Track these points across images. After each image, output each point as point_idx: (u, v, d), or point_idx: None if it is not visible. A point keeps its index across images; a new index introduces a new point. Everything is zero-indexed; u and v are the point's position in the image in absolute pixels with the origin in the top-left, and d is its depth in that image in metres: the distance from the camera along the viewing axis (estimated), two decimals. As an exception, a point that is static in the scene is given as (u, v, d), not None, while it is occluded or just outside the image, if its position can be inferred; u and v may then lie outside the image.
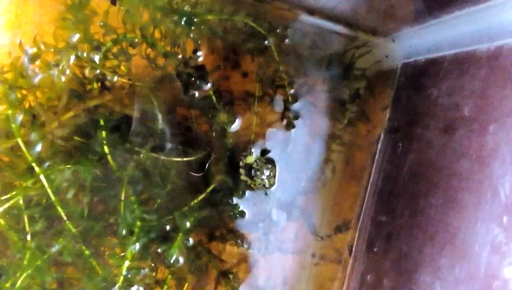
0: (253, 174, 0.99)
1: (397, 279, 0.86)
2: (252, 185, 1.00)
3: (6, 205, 0.82)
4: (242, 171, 1.00)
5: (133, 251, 0.88)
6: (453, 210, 0.75)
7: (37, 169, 0.82)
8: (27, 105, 0.84)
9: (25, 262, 0.84)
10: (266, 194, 1.03)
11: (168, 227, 0.94)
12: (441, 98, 0.85)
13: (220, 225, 1.02)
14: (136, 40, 0.90)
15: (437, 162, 0.82)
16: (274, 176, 1.02)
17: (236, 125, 1.00)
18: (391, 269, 0.89)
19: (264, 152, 1.02)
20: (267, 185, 1.01)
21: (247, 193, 1.02)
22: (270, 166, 1.01)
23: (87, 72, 0.87)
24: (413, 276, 0.81)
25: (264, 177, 1.00)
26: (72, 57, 0.86)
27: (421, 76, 0.93)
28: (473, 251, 0.69)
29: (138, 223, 0.89)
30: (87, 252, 0.88)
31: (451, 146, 0.79)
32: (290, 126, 1.02)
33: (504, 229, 0.65)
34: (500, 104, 0.70)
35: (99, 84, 0.88)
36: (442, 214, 0.78)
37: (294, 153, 1.04)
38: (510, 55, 0.70)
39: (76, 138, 0.87)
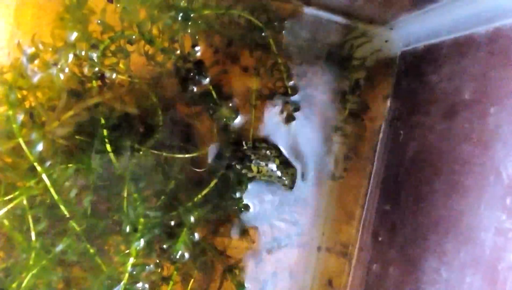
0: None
1: (403, 267, 0.85)
2: (258, 176, 1.00)
3: (10, 206, 0.82)
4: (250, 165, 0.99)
5: (138, 248, 0.88)
6: (456, 195, 0.75)
7: (39, 168, 0.82)
8: (27, 105, 0.84)
9: (31, 262, 0.84)
10: (291, 188, 1.02)
11: (172, 223, 0.94)
12: (441, 83, 0.84)
13: (224, 220, 1.02)
14: (134, 37, 0.90)
15: (439, 148, 0.82)
16: (283, 162, 1.01)
17: (238, 120, 1.00)
18: (397, 257, 0.88)
19: (259, 142, 1.01)
20: (280, 175, 1.01)
21: (250, 187, 1.01)
22: (270, 153, 1.00)
23: (86, 70, 0.88)
24: (418, 263, 0.80)
25: (267, 166, 0.99)
26: (71, 56, 0.86)
27: (421, 63, 0.93)
28: (477, 235, 0.69)
29: (142, 219, 0.89)
30: (91, 251, 0.88)
31: (452, 131, 0.79)
32: (290, 118, 1.02)
33: (508, 211, 0.64)
34: (501, 86, 0.69)
35: (99, 77, 0.88)
36: (445, 199, 0.77)
37: (295, 145, 1.04)
38: (509, 36, 0.69)
39: (77, 137, 0.88)
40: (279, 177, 1.01)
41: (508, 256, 0.63)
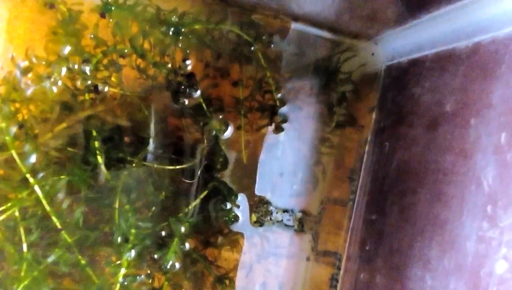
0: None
1: (389, 275, 0.87)
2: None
3: (2, 217, 0.83)
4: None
5: (129, 259, 0.89)
6: (440, 203, 0.77)
7: (31, 180, 0.83)
8: (20, 118, 0.85)
9: (22, 274, 0.85)
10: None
11: (163, 233, 0.95)
12: (424, 96, 0.87)
13: (215, 231, 1.03)
14: (126, 51, 0.92)
15: (422, 158, 0.84)
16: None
17: (229, 132, 1.02)
18: (383, 266, 0.90)
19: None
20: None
21: (240, 197, 1.03)
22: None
23: (78, 83, 0.89)
24: (404, 271, 0.82)
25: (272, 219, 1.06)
26: (64, 69, 0.88)
27: (405, 76, 0.96)
28: (460, 242, 0.71)
29: (133, 230, 0.90)
30: (83, 262, 0.88)
31: (435, 142, 0.81)
32: (278, 129, 1.04)
33: (489, 219, 0.67)
34: (480, 98, 0.72)
35: (92, 90, 0.90)
36: (429, 208, 0.79)
37: (284, 156, 1.06)
38: (487, 50, 0.73)
39: (69, 149, 0.89)
40: (285, 225, 1.08)
41: (489, 263, 0.66)
